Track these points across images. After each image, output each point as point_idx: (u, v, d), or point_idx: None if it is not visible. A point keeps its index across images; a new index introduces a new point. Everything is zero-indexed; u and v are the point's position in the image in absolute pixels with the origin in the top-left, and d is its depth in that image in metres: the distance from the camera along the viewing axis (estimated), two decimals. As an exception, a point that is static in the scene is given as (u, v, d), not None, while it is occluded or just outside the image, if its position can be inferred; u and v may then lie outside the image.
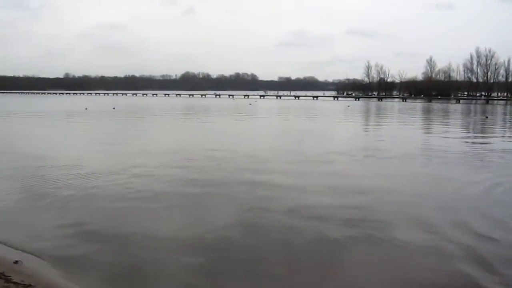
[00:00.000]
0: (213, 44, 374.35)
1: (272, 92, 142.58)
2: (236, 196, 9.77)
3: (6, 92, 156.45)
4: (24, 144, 19.24)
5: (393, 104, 74.84)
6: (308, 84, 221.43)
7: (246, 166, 13.50)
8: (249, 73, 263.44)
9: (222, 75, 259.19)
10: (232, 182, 11.24)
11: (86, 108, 48.49)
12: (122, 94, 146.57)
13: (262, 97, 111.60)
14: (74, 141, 20.56)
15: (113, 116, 38.92)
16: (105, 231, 7.46)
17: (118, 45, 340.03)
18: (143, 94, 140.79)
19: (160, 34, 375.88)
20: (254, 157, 15.31)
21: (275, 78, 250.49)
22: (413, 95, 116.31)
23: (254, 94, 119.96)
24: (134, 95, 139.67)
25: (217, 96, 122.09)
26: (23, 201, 9.37)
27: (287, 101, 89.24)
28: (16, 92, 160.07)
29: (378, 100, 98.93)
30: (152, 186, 10.72)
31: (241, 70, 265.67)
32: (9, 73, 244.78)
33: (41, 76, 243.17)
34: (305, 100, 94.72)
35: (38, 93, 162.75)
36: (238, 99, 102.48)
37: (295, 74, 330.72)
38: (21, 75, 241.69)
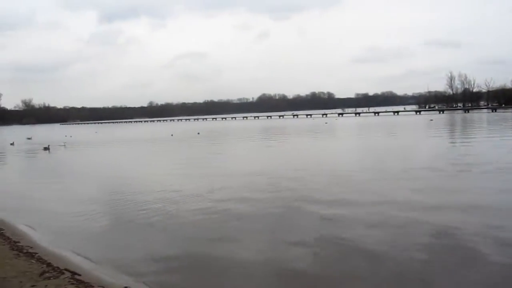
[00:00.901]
0: (288, 65, 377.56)
1: (350, 109, 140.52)
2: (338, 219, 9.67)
3: (98, 123, 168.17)
4: (119, 169, 20.53)
5: (481, 115, 70.55)
6: (387, 99, 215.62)
7: (332, 187, 13.34)
8: (325, 91, 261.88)
9: (298, 95, 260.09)
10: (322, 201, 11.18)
11: (172, 135, 50.43)
12: (203, 119, 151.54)
13: (340, 115, 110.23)
14: (171, 167, 21.40)
15: (200, 141, 40.29)
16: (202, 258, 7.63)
17: (197, 72, 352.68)
18: (222, 118, 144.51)
19: (236, 59, 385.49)
20: (340, 176, 15.18)
21: (352, 95, 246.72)
22: (503, 105, 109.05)
23: (332, 113, 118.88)
24: (214, 119, 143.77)
25: (295, 116, 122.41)
26: (124, 224, 9.90)
27: (366, 118, 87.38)
28: (106, 122, 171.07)
29: (464, 112, 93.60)
30: (237, 208, 10.97)
31: (317, 89, 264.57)
32: (99, 104, 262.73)
33: (128, 105, 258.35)
34: (386, 116, 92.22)
35: (126, 121, 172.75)
36: (316, 118, 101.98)
37: (372, 89, 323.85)
38: (110, 105, 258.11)
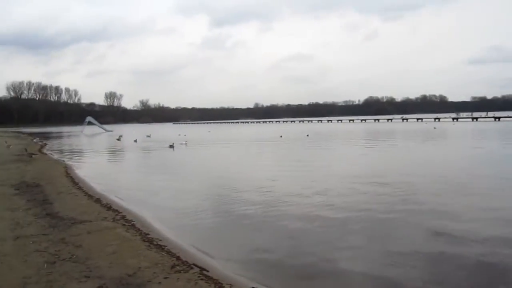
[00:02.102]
0: (397, 66, 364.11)
1: (465, 114, 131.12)
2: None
3: (207, 123, 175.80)
4: (236, 168, 20.96)
5: None
6: (508, 103, 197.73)
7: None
8: (437, 94, 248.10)
9: (407, 97, 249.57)
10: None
11: (281, 136, 50.65)
12: (308, 121, 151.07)
13: (455, 120, 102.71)
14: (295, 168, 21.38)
15: (310, 143, 40.00)
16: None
17: (302, 74, 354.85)
18: (327, 121, 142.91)
19: (342, 61, 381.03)
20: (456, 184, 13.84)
21: (467, 98, 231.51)
22: None
23: (445, 117, 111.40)
24: (319, 121, 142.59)
25: (404, 120, 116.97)
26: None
27: (486, 123, 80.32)
28: (215, 122, 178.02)
29: None
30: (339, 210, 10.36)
31: (427, 92, 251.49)
32: (208, 105, 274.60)
33: (235, 107, 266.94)
34: (509, 122, 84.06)
35: (233, 122, 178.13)
36: (429, 122, 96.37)
37: (491, 92, 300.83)
38: (218, 106, 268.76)
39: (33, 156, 26.98)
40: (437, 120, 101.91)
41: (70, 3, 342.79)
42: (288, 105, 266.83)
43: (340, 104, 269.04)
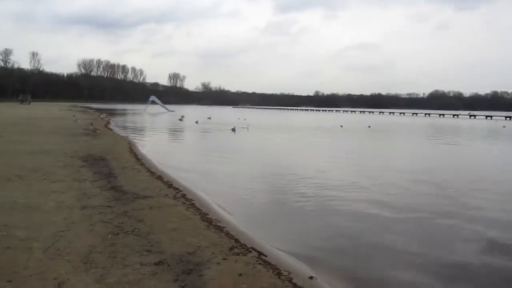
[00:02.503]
0: (466, 59, 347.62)
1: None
2: None
3: (266, 108, 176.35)
4: (295, 154, 20.83)
5: None
6: None
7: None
8: (509, 91, 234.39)
9: (476, 93, 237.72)
10: None
11: (341, 126, 49.84)
12: (369, 112, 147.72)
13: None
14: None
15: (371, 134, 39.12)
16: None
17: (366, 63, 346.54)
18: (389, 113, 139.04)
19: (408, 51, 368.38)
20: None
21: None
22: None
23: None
24: (381, 113, 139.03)
25: (472, 117, 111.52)
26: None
27: None
28: (274, 108, 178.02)
29: None
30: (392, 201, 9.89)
31: (499, 88, 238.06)
32: (268, 91, 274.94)
33: (295, 93, 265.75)
34: None
35: (292, 109, 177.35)
36: (499, 120, 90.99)
37: None
38: (278, 92, 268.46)
39: (97, 131, 27.99)
40: (508, 118, 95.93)
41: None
42: (349, 95, 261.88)
43: (403, 96, 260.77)
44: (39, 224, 7.15)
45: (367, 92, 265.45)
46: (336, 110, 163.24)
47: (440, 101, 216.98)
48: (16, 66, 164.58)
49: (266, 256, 6.50)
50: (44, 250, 5.95)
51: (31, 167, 12.64)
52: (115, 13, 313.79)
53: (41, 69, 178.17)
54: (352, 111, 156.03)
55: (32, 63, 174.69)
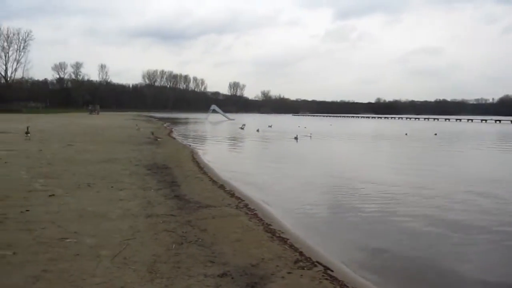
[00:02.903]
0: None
1: None
2: None
3: (326, 116, 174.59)
4: (360, 163, 20.25)
5: None
6: None
7: None
8: None
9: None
10: None
11: (406, 134, 48.06)
12: (433, 118, 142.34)
13: None
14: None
15: (439, 143, 37.59)
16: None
17: (430, 69, 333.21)
18: (456, 119, 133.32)
19: (475, 55, 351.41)
20: None
21: None
22: None
23: None
24: (447, 120, 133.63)
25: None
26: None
27: None
28: (334, 116, 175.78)
29: None
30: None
31: None
32: (328, 98, 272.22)
33: (355, 101, 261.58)
34: None
35: (353, 116, 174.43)
36: None
37: None
38: (337, 100, 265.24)
39: (158, 139, 28.48)
40: None
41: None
42: (412, 101, 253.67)
43: (471, 102, 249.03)
44: (106, 231, 7.29)
45: (431, 98, 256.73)
46: (399, 117, 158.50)
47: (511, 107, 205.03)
48: (86, 78, 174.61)
49: (332, 271, 6.24)
50: (111, 258, 6.03)
51: (99, 175, 13.08)
52: (179, 25, 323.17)
53: (108, 80, 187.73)
54: (415, 118, 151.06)
55: (100, 75, 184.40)
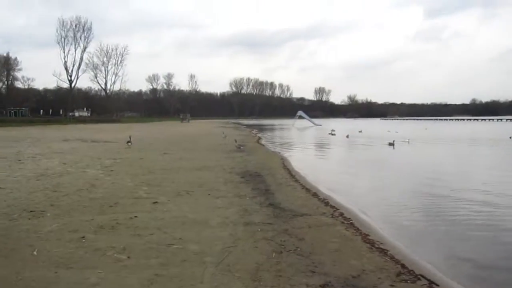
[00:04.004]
0: None
1: None
2: None
3: (417, 119, 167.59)
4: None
5: None
6: None
7: None
8: None
9: None
10: None
11: (510, 137, 44.38)
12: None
13: None
14: None
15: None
16: None
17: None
18: None
19: None
20: None
21: None
22: None
23: None
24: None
25: None
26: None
27: None
28: (425, 119, 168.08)
29: None
30: None
31: None
32: (418, 100, 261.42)
33: (448, 102, 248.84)
34: None
35: (445, 119, 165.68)
36: None
37: None
38: (428, 102, 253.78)
39: (241, 147, 28.38)
40: None
41: (287, 4, 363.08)
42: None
43: None
44: (208, 238, 7.61)
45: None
46: (498, 119, 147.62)
47: None
48: (177, 88, 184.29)
49: (437, 285, 6.01)
50: (216, 265, 6.29)
51: (196, 183, 13.67)
52: (265, 34, 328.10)
53: (197, 89, 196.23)
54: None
55: (190, 84, 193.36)
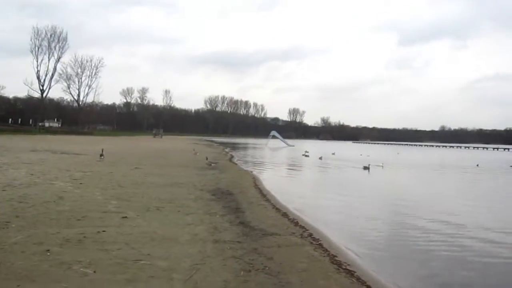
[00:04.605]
0: None
1: None
2: None
3: (387, 143, 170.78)
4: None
5: None
6: None
7: None
8: None
9: None
10: None
11: (477, 165, 45.52)
12: (504, 149, 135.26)
13: None
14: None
15: None
16: None
17: (500, 96, 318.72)
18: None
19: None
20: None
21: None
22: None
23: None
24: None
25: None
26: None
27: None
28: (395, 143, 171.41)
29: None
30: None
31: None
32: (389, 125, 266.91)
33: (418, 128, 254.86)
34: None
35: (415, 144, 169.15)
36: None
37: None
38: (400, 127, 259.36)
39: (212, 164, 28.15)
40: None
41: (265, 26, 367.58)
42: (480, 130, 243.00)
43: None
44: (177, 255, 7.57)
45: (501, 126, 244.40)
46: (465, 147, 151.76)
47: None
48: (151, 102, 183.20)
49: (401, 307, 6.13)
50: (183, 282, 6.27)
51: (166, 199, 13.59)
52: (242, 53, 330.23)
53: (172, 105, 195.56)
54: (484, 148, 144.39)
55: (164, 100, 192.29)
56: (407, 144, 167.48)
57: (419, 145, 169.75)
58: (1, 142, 42.22)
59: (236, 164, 35.00)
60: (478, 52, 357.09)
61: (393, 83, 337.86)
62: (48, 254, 7.18)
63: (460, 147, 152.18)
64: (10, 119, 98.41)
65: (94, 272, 6.45)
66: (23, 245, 7.61)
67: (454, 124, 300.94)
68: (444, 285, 7.66)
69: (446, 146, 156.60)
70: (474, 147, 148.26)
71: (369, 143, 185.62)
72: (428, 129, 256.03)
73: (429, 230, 12.16)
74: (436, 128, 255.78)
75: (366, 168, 34.21)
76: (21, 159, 24.33)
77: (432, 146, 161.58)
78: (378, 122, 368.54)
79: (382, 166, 37.64)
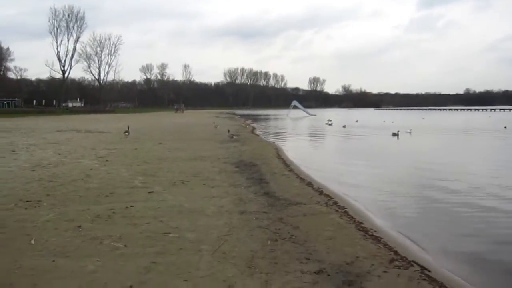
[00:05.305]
0: None
1: None
2: None
3: (410, 109, 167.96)
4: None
5: None
6: None
7: None
8: None
9: None
10: None
11: (505, 127, 44.48)
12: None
13: None
14: None
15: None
16: None
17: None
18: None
19: None
20: None
21: None
22: None
23: None
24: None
25: None
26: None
27: None
28: (419, 109, 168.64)
29: None
30: None
31: None
32: (412, 90, 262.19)
33: (442, 92, 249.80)
34: None
35: (440, 109, 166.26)
36: None
37: None
38: (423, 92, 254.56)
39: (234, 137, 27.95)
40: None
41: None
42: (506, 91, 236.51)
43: None
44: (204, 227, 7.69)
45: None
46: (491, 109, 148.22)
47: None
48: (171, 78, 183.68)
49: (430, 271, 6.12)
50: (212, 253, 6.38)
51: (191, 173, 13.73)
52: (259, 24, 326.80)
53: (192, 79, 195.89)
54: (510, 109, 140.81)
55: (184, 75, 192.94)
56: (431, 109, 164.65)
57: (444, 109, 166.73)
58: (27, 123, 43.15)
59: (258, 135, 35.05)
60: (502, 11, 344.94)
61: (414, 47, 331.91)
62: (80, 230, 7.38)
63: (486, 109, 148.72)
64: (34, 101, 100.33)
65: (125, 246, 6.61)
66: (56, 222, 7.84)
67: (479, 86, 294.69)
68: (473, 253, 7.54)
69: (471, 109, 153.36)
70: (500, 109, 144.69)
71: (391, 109, 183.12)
72: (452, 92, 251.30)
73: (459, 196, 12.01)
74: (461, 91, 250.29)
75: (395, 134, 33.62)
76: (47, 140, 24.85)
77: (457, 110, 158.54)
78: (401, 87, 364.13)
79: (410, 132, 36.88)
